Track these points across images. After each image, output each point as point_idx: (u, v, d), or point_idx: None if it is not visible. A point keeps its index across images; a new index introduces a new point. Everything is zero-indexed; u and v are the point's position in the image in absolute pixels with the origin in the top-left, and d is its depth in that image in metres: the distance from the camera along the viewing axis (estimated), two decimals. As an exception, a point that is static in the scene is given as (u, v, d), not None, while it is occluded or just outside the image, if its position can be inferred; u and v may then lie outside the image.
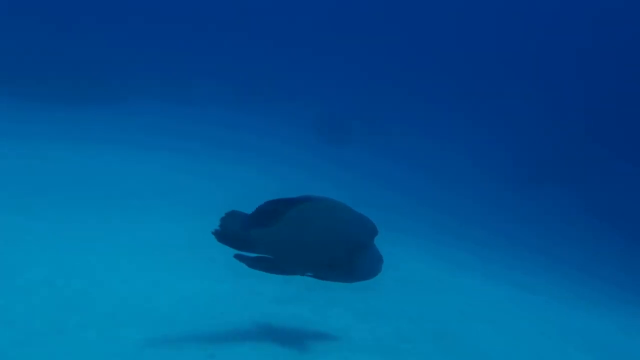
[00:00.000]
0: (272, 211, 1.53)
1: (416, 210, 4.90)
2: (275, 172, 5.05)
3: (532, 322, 2.52)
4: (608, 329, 2.75)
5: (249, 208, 3.36)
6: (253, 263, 1.59)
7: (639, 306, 3.59)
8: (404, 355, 1.91)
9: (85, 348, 1.63)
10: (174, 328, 1.82)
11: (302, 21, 13.92)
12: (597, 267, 4.63)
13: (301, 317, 2.09)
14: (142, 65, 8.38)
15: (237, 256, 1.60)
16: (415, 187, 6.09)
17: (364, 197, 4.63)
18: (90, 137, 4.93)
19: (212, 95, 8.37)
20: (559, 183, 7.60)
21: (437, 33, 14.14)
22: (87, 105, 6.28)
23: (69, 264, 2.20)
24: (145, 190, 3.56)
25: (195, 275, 2.31)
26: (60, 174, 3.57)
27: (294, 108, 8.63)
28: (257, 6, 13.92)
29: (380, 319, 2.18)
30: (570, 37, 12.24)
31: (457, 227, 4.68)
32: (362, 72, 11.39)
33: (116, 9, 10.00)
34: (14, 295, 1.88)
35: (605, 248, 5.48)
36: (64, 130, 5.05)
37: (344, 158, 6.72)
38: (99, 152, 4.43)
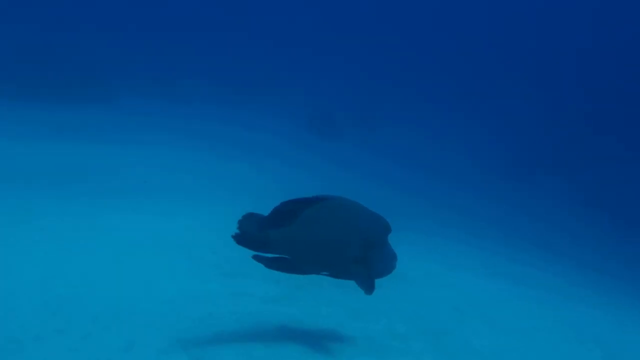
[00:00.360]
0: (287, 212, 1.54)
1: (409, 205, 4.85)
2: (268, 167, 5.01)
3: (526, 317, 2.47)
4: (602, 322, 2.70)
5: (243, 206, 3.32)
6: (270, 263, 1.59)
7: (634, 298, 3.55)
8: (395, 354, 1.86)
9: (62, 355, 1.57)
10: (158, 331, 1.76)
11: (295, 19, 13.88)
12: (594, 259, 4.60)
13: (291, 317, 2.03)
14: (141, 66, 8.34)
15: (255, 257, 1.60)
16: (409, 183, 6.04)
17: (358, 192, 4.57)
18: (85, 136, 4.89)
19: (205, 92, 8.31)
20: (557, 176, 7.60)
21: (431, 30, 14.12)
22: (83, 104, 6.24)
23: (52, 266, 2.13)
24: (137, 188, 3.50)
25: (183, 275, 2.25)
26: (53, 173, 3.52)
27: (288, 104, 8.57)
28: (250, 5, 13.87)
29: (372, 317, 2.13)
30: (562, 33, 12.24)
31: (452, 222, 4.63)
32: (355, 69, 11.36)
33: (113, 13, 9.97)
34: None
35: (602, 240, 5.45)
36: (60, 129, 5.00)
37: (336, 153, 6.68)
38: (94, 150, 4.39)
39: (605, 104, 9.31)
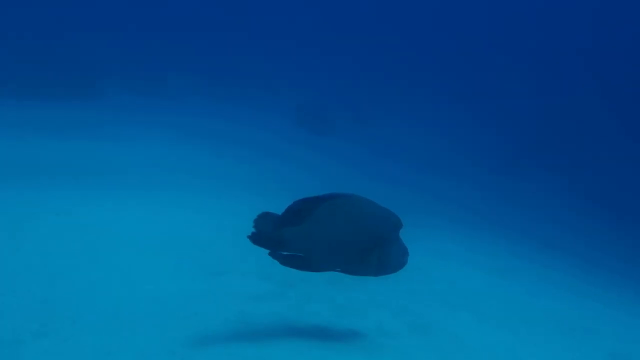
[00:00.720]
0: (301, 210, 1.58)
1: (404, 199, 4.82)
2: (261, 163, 4.98)
3: (518, 311, 2.45)
4: (594, 313, 2.69)
5: (235, 202, 3.26)
6: (285, 260, 1.64)
7: (628, 290, 3.54)
8: (385, 351, 1.84)
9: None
10: (142, 331, 1.73)
11: (288, 13, 13.77)
12: (590, 253, 4.59)
13: (280, 315, 2.00)
14: (132, 64, 8.24)
15: (271, 254, 1.64)
16: (404, 177, 6.02)
17: (354, 188, 4.54)
18: (76, 133, 4.82)
19: (197, 89, 8.24)
20: (556, 172, 7.63)
21: (427, 24, 14.07)
22: (73, 102, 6.19)
23: (33, 266, 2.09)
24: (124, 184, 3.45)
25: (169, 273, 2.21)
26: (42, 171, 3.46)
27: (280, 99, 8.51)
28: (240, 1, 13.73)
29: (362, 314, 2.11)
30: (560, 30, 12.25)
31: (445, 215, 4.60)
32: (348, 63, 11.30)
33: (104, 10, 9.86)
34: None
35: (599, 234, 5.45)
36: (51, 126, 4.94)
37: (327, 148, 6.64)
38: (84, 147, 4.33)
39: (606, 100, 9.35)
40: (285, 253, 1.64)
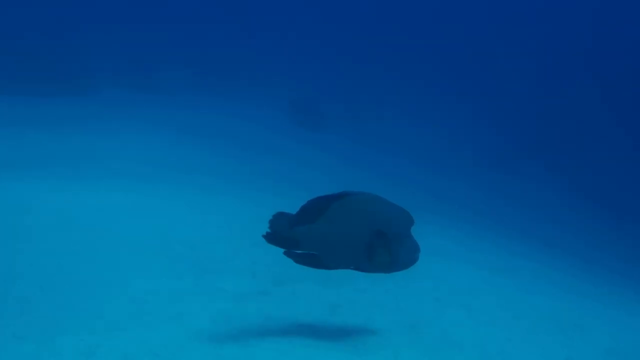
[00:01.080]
0: (314, 208, 1.60)
1: (399, 196, 4.77)
2: (255, 159, 4.94)
3: (509, 308, 2.40)
4: (588, 311, 2.63)
5: (228, 200, 3.20)
6: (299, 259, 1.66)
7: (625, 288, 3.50)
8: (374, 349, 1.79)
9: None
10: (124, 333, 1.69)
11: (279, 4, 13.72)
12: (586, 251, 4.55)
13: (267, 314, 1.96)
14: (123, 58, 8.20)
15: (285, 253, 1.67)
16: (399, 174, 5.98)
17: (344, 182, 4.49)
18: (67, 128, 4.79)
19: (187, 83, 8.20)
20: (552, 170, 7.62)
21: (421, 17, 14.03)
22: (69, 98, 6.18)
23: (15, 264, 2.05)
24: (112, 180, 3.41)
25: (154, 271, 2.17)
26: (29, 166, 3.43)
27: (275, 95, 8.44)
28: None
29: (351, 312, 2.06)
30: (559, 28, 12.23)
31: (441, 211, 4.56)
32: (345, 60, 11.25)
33: (94, 5, 9.81)
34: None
35: (596, 232, 5.42)
36: (41, 122, 4.92)
37: (323, 144, 6.60)
38: (75, 141, 4.32)
39: (606, 100, 9.33)
40: (299, 252, 1.65)
